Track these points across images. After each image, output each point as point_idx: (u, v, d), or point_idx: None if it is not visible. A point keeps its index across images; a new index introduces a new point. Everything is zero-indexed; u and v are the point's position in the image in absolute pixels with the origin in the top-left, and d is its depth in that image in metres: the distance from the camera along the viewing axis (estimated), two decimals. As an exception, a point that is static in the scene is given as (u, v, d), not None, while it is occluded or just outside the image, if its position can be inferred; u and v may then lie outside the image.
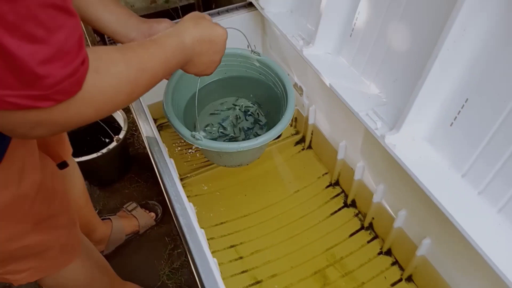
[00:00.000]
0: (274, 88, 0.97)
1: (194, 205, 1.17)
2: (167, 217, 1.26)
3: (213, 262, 0.68)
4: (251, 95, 1.06)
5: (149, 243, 1.22)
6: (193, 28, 0.55)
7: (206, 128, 1.01)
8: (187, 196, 1.17)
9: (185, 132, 0.80)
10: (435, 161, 0.78)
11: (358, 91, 0.91)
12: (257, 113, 1.04)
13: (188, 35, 0.54)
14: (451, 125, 0.75)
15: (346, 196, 1.22)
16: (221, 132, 1.01)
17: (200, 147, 0.79)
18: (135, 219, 1.20)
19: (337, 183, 1.25)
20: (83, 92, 0.38)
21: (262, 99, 1.05)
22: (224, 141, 0.98)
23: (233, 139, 1.00)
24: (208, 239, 1.10)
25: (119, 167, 1.32)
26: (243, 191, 1.22)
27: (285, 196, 1.24)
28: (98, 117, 0.41)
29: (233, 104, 1.07)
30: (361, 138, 1.02)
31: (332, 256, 1.11)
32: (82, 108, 0.38)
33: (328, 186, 1.25)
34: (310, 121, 1.24)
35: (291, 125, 1.37)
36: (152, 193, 1.35)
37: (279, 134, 0.82)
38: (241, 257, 1.10)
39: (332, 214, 1.19)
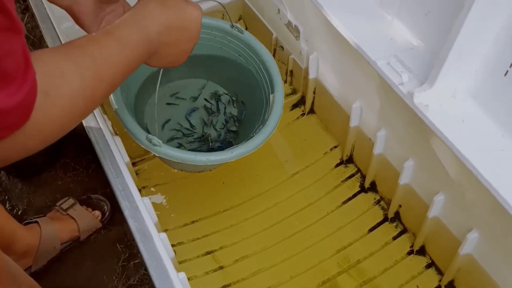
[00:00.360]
0: (256, 76, 1.03)
1: (154, 198, 1.18)
2: (118, 216, 1.26)
3: (177, 279, 0.71)
4: (224, 81, 1.15)
5: (94, 253, 1.22)
6: (159, 12, 0.58)
7: (166, 124, 1.09)
8: (143, 187, 1.23)
9: (139, 133, 0.85)
10: (484, 127, 0.78)
11: (375, 31, 0.91)
12: (232, 103, 1.14)
13: (153, 22, 0.57)
14: (505, 74, 0.75)
15: (364, 177, 1.23)
16: (186, 129, 1.11)
17: (157, 155, 0.85)
18: (73, 221, 1.19)
19: (350, 160, 1.26)
20: (31, 122, 0.41)
21: (238, 87, 1.13)
22: (188, 143, 1.08)
23: (201, 140, 1.09)
24: (174, 245, 1.12)
25: (48, 150, 1.30)
26: (222, 177, 1.21)
27: (279, 180, 1.24)
28: (45, 146, 0.46)
29: (199, 89, 1.16)
30: (381, 97, 1.03)
31: (345, 260, 1.12)
32: (28, 140, 0.43)
33: (338, 165, 1.27)
34: (311, 75, 1.24)
35: (285, 81, 1.38)
36: (96, 184, 1.33)
37: (261, 144, 0.90)
38: (221, 267, 1.11)
39: (344, 202, 1.21)
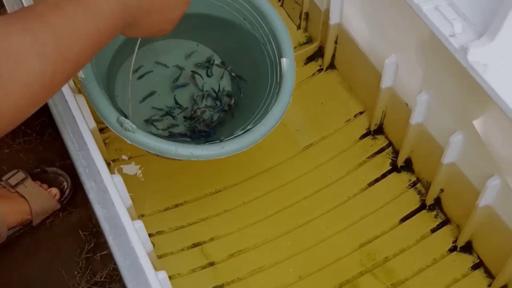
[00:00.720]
0: (262, 47, 1.05)
1: (127, 169, 1.21)
2: (81, 195, 1.27)
3: (156, 280, 0.71)
4: (221, 49, 1.16)
5: (51, 242, 1.22)
6: None
7: (146, 100, 1.12)
8: (113, 161, 1.23)
9: (109, 112, 0.88)
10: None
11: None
12: (228, 78, 1.15)
13: None
14: None
15: (396, 153, 1.24)
16: (169, 108, 1.13)
17: (129, 142, 0.88)
18: (23, 200, 1.19)
19: (380, 130, 1.27)
20: None
21: (238, 59, 1.14)
22: (171, 126, 1.10)
23: (189, 122, 1.11)
24: (152, 235, 1.13)
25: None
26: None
27: (288, 155, 1.24)
28: None
29: (186, 54, 1.17)
30: (424, 52, 1.03)
31: (369, 257, 1.13)
32: None
33: (364, 136, 1.27)
34: (333, 20, 1.24)
35: (298, 27, 1.38)
36: (53, 154, 1.32)
37: (260, 139, 0.93)
38: (211, 263, 1.12)
39: (370, 184, 1.22)
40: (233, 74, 1.15)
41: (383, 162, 1.24)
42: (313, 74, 1.34)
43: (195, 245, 1.14)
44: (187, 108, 1.14)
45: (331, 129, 1.27)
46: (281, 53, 1.00)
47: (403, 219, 1.17)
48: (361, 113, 1.29)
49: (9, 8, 0.94)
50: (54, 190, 1.24)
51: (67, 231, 1.24)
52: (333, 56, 1.32)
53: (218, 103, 1.14)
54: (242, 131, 0.95)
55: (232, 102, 1.14)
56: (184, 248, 1.13)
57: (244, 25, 1.07)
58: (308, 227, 1.16)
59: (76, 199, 1.27)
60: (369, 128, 1.27)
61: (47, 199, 1.22)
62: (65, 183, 1.26)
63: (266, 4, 1.01)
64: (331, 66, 1.34)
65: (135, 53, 0.86)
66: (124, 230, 0.74)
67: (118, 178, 0.84)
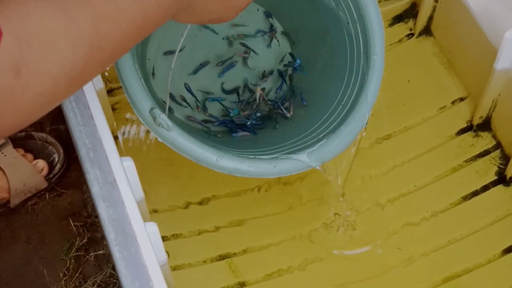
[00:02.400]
0: (346, 37, 1.06)
1: (140, 153, 1.20)
2: (76, 173, 1.27)
3: None
4: (290, 25, 1.19)
5: (32, 231, 1.22)
6: None
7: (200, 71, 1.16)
8: (123, 133, 1.23)
9: (141, 100, 0.90)
10: None
11: None
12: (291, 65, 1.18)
13: None
14: None
15: (507, 159, 1.22)
16: (214, 97, 1.17)
17: (160, 140, 0.92)
18: (0, 172, 1.20)
19: (486, 126, 1.25)
20: None
21: (310, 45, 1.16)
22: (216, 124, 1.14)
23: (238, 118, 1.14)
24: (166, 239, 1.13)
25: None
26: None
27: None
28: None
29: (242, 19, 1.19)
30: None
31: None
32: None
33: (464, 131, 1.25)
34: None
35: None
36: (45, 115, 1.34)
37: (328, 160, 0.97)
38: (242, 284, 1.11)
39: (466, 198, 1.19)
40: (295, 59, 1.17)
41: (487, 170, 1.20)
42: (400, 40, 1.33)
43: (222, 257, 1.13)
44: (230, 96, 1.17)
45: (418, 118, 1.25)
46: (369, 52, 1.01)
47: (508, 250, 1.13)
48: (462, 99, 1.27)
49: None
50: (41, 163, 1.23)
51: (54, 219, 1.23)
52: (431, 18, 1.31)
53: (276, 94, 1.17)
54: (302, 145, 0.98)
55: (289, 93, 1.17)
56: (207, 260, 1.12)
57: (330, 7, 1.07)
58: (373, 249, 1.15)
59: (68, 178, 1.27)
60: (471, 121, 1.25)
61: (31, 173, 1.21)
62: (55, 155, 1.25)
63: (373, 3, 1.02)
64: (426, 31, 1.33)
65: (183, 37, 0.88)
66: (135, 239, 0.74)
67: (129, 163, 0.84)
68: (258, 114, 1.15)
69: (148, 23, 0.58)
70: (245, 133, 1.10)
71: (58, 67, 0.49)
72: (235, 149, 0.99)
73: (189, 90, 1.13)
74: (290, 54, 1.18)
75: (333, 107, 1.04)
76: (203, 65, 1.16)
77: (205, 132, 1.11)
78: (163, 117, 0.88)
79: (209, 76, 1.18)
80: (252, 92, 1.17)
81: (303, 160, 0.94)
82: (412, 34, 1.32)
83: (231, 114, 1.14)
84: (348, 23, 1.04)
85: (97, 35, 0.52)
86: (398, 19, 1.34)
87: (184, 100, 1.13)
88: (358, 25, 1.03)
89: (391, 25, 1.33)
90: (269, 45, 1.18)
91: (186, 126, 1.11)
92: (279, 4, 1.17)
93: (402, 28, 1.33)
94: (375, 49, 1.00)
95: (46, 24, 0.48)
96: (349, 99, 1.02)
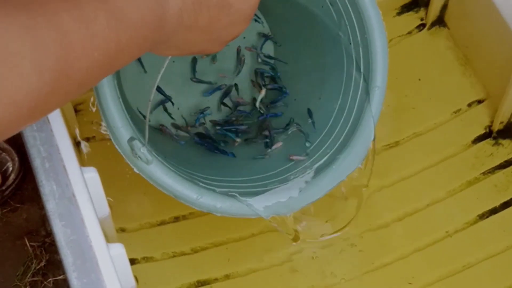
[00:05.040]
0: (343, 51, 1.08)
1: (108, 163, 1.18)
2: (33, 184, 1.27)
3: None
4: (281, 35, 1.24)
5: None
6: None
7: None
8: (86, 139, 1.23)
9: (121, 127, 0.92)
10: None
11: None
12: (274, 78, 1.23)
13: None
14: None
15: None
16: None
17: (137, 171, 0.95)
18: None
19: (508, 133, 1.24)
20: None
21: (304, 56, 1.19)
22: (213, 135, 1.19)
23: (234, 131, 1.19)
24: (136, 262, 1.13)
25: None
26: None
27: None
28: None
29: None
30: None
31: None
32: None
33: (481, 138, 1.24)
34: None
35: None
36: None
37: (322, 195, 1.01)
38: None
39: (484, 216, 1.19)
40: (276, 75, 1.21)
41: (507, 184, 1.20)
42: (410, 32, 1.32)
43: (200, 283, 1.12)
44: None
45: (430, 123, 1.24)
46: (370, 60, 1.03)
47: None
48: (479, 101, 1.26)
49: None
50: None
51: (7, 238, 1.23)
52: (445, 7, 1.30)
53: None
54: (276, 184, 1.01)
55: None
56: (183, 286, 1.12)
57: (324, 18, 1.10)
58: (379, 274, 1.14)
59: (24, 190, 1.28)
60: (490, 127, 1.24)
61: None
62: (9, 164, 1.26)
63: (373, 9, 1.03)
64: (440, 21, 1.32)
65: (162, 71, 0.87)
66: (96, 264, 0.74)
67: (92, 174, 0.84)
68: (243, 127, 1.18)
69: (122, 54, 0.59)
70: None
71: (21, 92, 0.49)
72: (210, 175, 1.03)
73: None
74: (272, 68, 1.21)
75: (320, 137, 1.06)
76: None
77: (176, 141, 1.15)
78: (143, 151, 0.90)
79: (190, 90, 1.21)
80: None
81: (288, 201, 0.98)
82: (424, 25, 1.32)
83: (207, 114, 1.18)
84: (350, 44, 1.06)
85: (66, 62, 0.52)
86: (408, 7, 1.34)
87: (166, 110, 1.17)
88: (360, 48, 1.04)
89: (399, 14, 1.32)
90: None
91: (158, 132, 1.15)
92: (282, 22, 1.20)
93: (412, 18, 1.33)
94: (376, 80, 1.01)
95: (9, 44, 0.48)
96: (343, 129, 1.04)
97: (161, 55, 0.71)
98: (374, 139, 1.03)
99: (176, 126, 1.18)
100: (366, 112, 1.03)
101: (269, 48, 1.24)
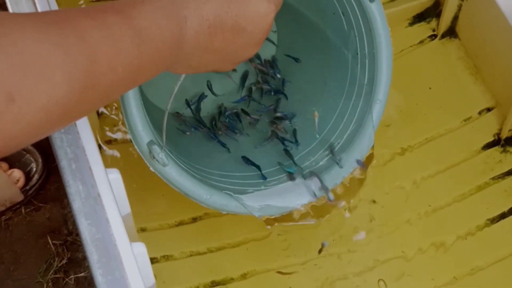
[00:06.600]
0: (349, 67, 1.10)
1: (128, 164, 1.20)
2: (56, 184, 1.28)
3: None
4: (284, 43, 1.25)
5: (5, 249, 1.24)
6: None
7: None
8: (108, 142, 1.23)
9: (142, 131, 0.95)
10: None
11: None
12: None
13: (194, 14, 0.67)
14: None
15: None
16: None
17: (152, 170, 0.97)
18: None
19: None
20: None
21: (301, 74, 1.20)
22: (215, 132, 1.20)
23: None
24: (156, 261, 1.13)
25: None
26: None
27: (369, 161, 1.19)
28: None
29: None
30: None
31: None
32: None
33: (490, 145, 1.25)
34: None
35: None
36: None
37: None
38: None
39: (493, 220, 1.19)
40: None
41: None
42: (421, 42, 1.33)
43: (216, 283, 1.12)
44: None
45: (440, 130, 1.25)
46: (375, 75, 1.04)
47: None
48: (489, 109, 1.27)
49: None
50: (17, 173, 1.24)
51: (30, 236, 1.24)
52: (456, 18, 1.31)
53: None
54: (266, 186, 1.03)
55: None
56: (199, 286, 1.12)
57: (331, 36, 1.12)
58: (386, 276, 1.14)
59: (47, 190, 1.28)
60: (499, 134, 1.25)
61: (5, 184, 1.22)
62: (33, 164, 1.26)
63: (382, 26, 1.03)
64: (451, 32, 1.33)
65: (175, 90, 0.89)
66: (120, 262, 0.74)
67: (115, 175, 0.84)
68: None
69: (143, 71, 0.62)
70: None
71: (51, 100, 0.51)
72: (217, 170, 1.06)
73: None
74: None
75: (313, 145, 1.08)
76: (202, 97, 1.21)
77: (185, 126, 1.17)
78: (161, 156, 0.93)
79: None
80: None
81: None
82: (435, 36, 1.33)
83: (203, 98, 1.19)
84: (357, 54, 1.07)
85: (92, 74, 0.55)
86: (419, 18, 1.34)
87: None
88: (367, 61, 1.06)
89: (411, 24, 1.33)
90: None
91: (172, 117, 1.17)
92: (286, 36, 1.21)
93: (423, 28, 1.33)
94: (378, 94, 1.04)
95: (43, 56, 0.51)
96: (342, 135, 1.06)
97: (177, 73, 0.75)
98: (373, 146, 1.04)
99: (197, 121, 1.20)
100: (366, 122, 1.04)
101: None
